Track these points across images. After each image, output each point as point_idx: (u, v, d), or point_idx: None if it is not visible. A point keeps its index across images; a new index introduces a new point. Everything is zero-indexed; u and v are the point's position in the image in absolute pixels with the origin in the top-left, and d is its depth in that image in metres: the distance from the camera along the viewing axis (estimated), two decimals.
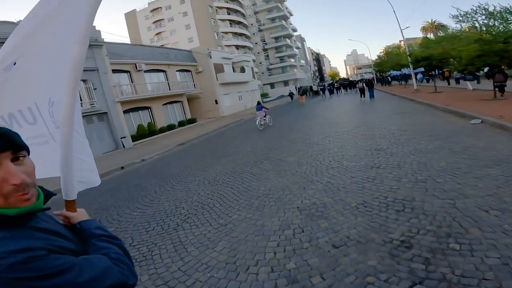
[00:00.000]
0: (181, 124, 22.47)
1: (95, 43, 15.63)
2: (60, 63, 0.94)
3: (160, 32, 48.63)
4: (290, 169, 5.97)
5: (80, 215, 0.96)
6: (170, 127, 21.11)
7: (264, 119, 13.93)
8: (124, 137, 16.56)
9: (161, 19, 47.99)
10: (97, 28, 16.19)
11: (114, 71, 18.56)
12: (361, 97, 19.47)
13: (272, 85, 66.72)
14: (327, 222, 3.40)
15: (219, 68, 29.31)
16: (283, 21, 66.84)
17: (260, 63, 64.70)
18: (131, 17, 51.38)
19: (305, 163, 6.19)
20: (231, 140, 12.52)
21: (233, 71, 33.65)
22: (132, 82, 19.98)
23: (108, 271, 0.73)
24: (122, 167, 11.00)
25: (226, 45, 47.19)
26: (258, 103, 15.11)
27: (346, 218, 3.40)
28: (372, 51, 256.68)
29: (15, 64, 1.07)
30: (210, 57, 27.55)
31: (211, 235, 3.67)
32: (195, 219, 4.29)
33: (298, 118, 15.89)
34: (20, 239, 0.64)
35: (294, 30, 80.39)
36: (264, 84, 64.80)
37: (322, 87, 36.33)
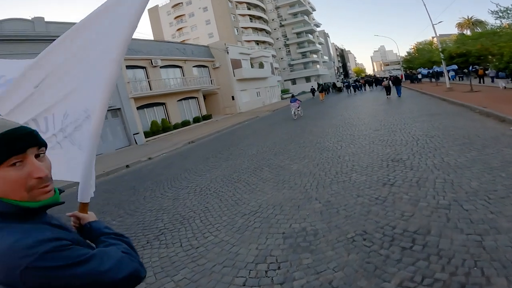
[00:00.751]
0: (196, 120, 22.28)
1: None
2: (93, 79, 1.02)
3: (181, 28, 48.91)
4: (290, 180, 5.28)
5: (91, 217, 1.02)
6: (185, 124, 20.96)
7: (298, 110, 15.86)
8: (137, 133, 16.58)
9: (182, 15, 48.20)
10: None
11: (129, 67, 18.64)
12: (387, 95, 18.32)
13: (293, 81, 65.45)
14: (312, 257, 2.72)
15: (236, 64, 28.79)
16: (305, 16, 64.93)
17: (281, 58, 63.44)
18: (153, 13, 52.18)
19: (308, 173, 5.46)
20: (240, 139, 11.96)
21: (251, 67, 33.00)
22: (147, 78, 20.00)
23: (123, 261, 0.77)
24: (127, 166, 10.83)
25: (246, 41, 46.51)
26: (292, 96, 17.83)
27: (336, 254, 2.71)
28: (400, 48, 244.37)
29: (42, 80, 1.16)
30: (227, 52, 27.07)
31: (177, 259, 3.15)
32: (168, 236, 3.78)
33: (313, 118, 14.99)
34: (45, 230, 0.68)
35: (317, 25, 77.97)
36: (285, 80, 63.61)
37: (346, 83, 34.68)
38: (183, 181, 6.62)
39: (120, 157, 13.25)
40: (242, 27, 46.64)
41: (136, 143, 16.39)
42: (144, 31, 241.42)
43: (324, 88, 31.51)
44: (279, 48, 62.67)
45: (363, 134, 8.28)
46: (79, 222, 0.99)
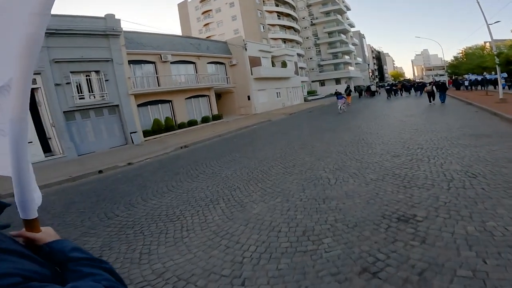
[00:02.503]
0: (205, 120, 20.90)
1: (112, 32, 14.69)
2: (6, 41, 0.74)
3: (208, 23, 48.22)
4: (229, 244, 3.43)
5: (47, 235, 0.75)
6: (191, 123, 19.68)
7: (343, 105, 18.69)
8: (135, 132, 15.52)
9: (209, 10, 47.44)
10: (117, 17, 15.23)
11: (136, 61, 17.70)
12: (430, 101, 16.87)
13: (322, 83, 62.33)
14: None
15: (255, 62, 27.02)
16: (339, 15, 61.43)
17: (310, 58, 60.60)
18: (183, 8, 52.14)
19: (252, 241, 3.53)
20: (236, 149, 10.23)
21: (272, 65, 31.04)
22: (156, 74, 18.98)
23: None
24: (100, 171, 9.59)
25: (272, 38, 44.55)
26: (339, 93, 20.34)
27: None
28: (445, 52, 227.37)
29: None
30: (246, 49, 25.39)
31: None
32: None
33: (324, 129, 12.82)
34: None
35: (351, 25, 73.71)
36: (312, 81, 60.74)
37: (383, 86, 32.19)
38: (126, 211, 5.04)
39: (105, 158, 12.16)
40: (268, 24, 44.74)
41: (132, 142, 15.33)
42: (173, 26, 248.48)
43: (350, 92, 29.08)
44: (309, 48, 59.89)
45: (374, 161, 6.10)
46: (31, 244, 0.71)
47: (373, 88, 36.70)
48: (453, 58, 41.52)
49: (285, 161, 7.21)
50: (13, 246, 0.61)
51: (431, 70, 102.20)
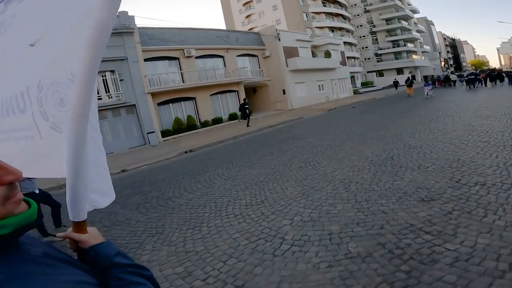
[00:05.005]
0: (232, 117, 19.52)
1: (126, 29, 14.16)
2: (66, 32, 0.68)
3: (249, 15, 46.59)
4: None
5: (92, 237, 0.73)
6: (216, 121, 18.51)
7: (431, 91, 19.41)
8: (152, 132, 14.92)
9: (250, 1, 45.64)
10: (130, 14, 14.68)
11: (159, 58, 17.13)
12: None
13: (380, 73, 56.09)
14: None
15: (292, 53, 24.50)
16: (397, 1, 53.88)
17: (366, 47, 54.64)
18: (225, 1, 51.47)
19: None
20: (243, 156, 8.52)
21: (313, 56, 28.01)
22: (180, 70, 18.22)
23: None
24: None
25: (317, 27, 40.81)
26: (427, 80, 22.75)
27: None
28: None
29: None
30: (279, 39, 23.07)
31: None
32: None
33: (356, 133, 10.17)
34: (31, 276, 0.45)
35: (414, 11, 64.53)
36: (368, 72, 54.85)
37: (461, 76, 27.54)
38: None
39: (112, 161, 11.65)
40: (312, 12, 41.03)
41: (149, 143, 14.78)
42: (216, 21, 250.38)
43: (411, 83, 25.26)
44: (363, 36, 54.05)
45: (392, 209, 3.72)
46: (77, 245, 0.71)
47: (453, 77, 32.07)
48: None
49: (254, 198, 5.22)
50: (54, 252, 0.57)
51: None
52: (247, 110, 16.11)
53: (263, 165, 7.13)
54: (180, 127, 16.56)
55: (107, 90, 14.14)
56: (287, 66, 23.87)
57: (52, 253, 0.56)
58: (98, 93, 13.72)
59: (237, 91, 20.63)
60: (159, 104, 16.31)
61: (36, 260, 0.50)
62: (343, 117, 15.14)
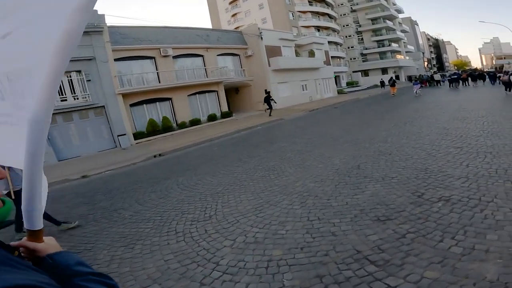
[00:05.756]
0: (212, 118, 18.91)
1: (95, 28, 13.35)
2: (42, 35, 0.67)
3: (235, 14, 45.99)
4: None
5: (50, 246, 0.70)
6: (194, 122, 17.86)
7: (419, 90, 20.63)
8: (123, 135, 14.16)
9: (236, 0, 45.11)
10: (100, 12, 13.89)
11: (133, 57, 16.37)
12: (506, 91, 15.55)
13: (365, 73, 56.60)
14: None
15: (275, 52, 24.07)
16: (383, 1, 54.45)
17: (352, 47, 54.97)
18: (211, 0, 50.65)
19: None
20: (210, 162, 7.98)
21: (297, 55, 27.69)
22: (157, 69, 17.49)
23: None
24: None
25: (303, 26, 40.61)
26: (416, 79, 24.83)
27: None
28: None
29: None
30: (261, 38, 22.59)
31: None
32: None
33: (328, 138, 9.81)
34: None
35: (399, 11, 65.62)
36: (354, 71, 55.20)
37: (452, 76, 28.64)
38: None
39: (77, 165, 10.91)
40: (299, 11, 40.81)
41: (120, 146, 14.03)
42: (203, 20, 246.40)
43: (394, 82, 25.95)
44: (349, 36, 54.36)
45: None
46: (33, 254, 0.68)
47: (437, 77, 33.88)
48: None
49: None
50: (16, 258, 0.56)
51: (502, 59, 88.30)
52: (271, 101, 18.30)
53: (226, 173, 6.64)
54: (154, 129, 15.85)
55: (73, 91, 13.30)
56: (269, 65, 23.43)
57: (14, 258, 0.54)
58: (63, 94, 12.92)
59: (217, 91, 20.03)
60: (132, 105, 15.55)
61: (3, 261, 0.50)
62: (323, 118, 14.82)
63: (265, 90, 19.75)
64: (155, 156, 10.76)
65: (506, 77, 16.00)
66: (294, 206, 4.13)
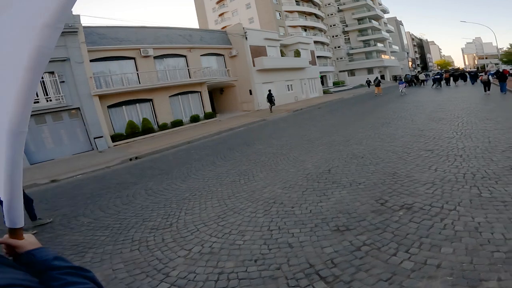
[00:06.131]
0: (194, 119, 18.57)
1: (69, 29, 12.82)
2: (11, 53, 0.69)
3: (223, 13, 45.52)
4: None
5: (29, 243, 0.74)
6: (176, 124, 17.50)
7: (404, 89, 21.70)
8: (100, 137, 13.69)
9: None
10: (75, 13, 13.39)
11: (111, 58, 15.87)
12: (485, 91, 15.96)
13: (351, 72, 57.21)
14: None
15: (260, 52, 23.92)
16: (369, 1, 55.20)
17: (338, 47, 55.43)
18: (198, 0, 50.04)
19: None
20: (183, 166, 7.73)
21: (282, 55, 27.64)
22: (137, 70, 17.02)
23: None
24: None
25: (290, 26, 40.62)
26: (400, 79, 25.94)
27: None
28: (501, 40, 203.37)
29: None
30: (246, 38, 22.39)
31: None
32: None
33: (307, 139, 9.73)
34: None
35: (385, 11, 66.71)
36: (340, 71, 55.71)
37: (435, 76, 29.34)
38: None
39: (49, 169, 10.43)
40: (286, 11, 40.82)
41: (97, 148, 13.55)
42: (190, 19, 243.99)
43: (379, 82, 26.36)
44: (336, 36, 54.75)
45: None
46: (13, 251, 0.73)
47: (422, 77, 34.39)
48: (509, 46, 34.99)
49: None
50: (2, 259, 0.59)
51: (484, 58, 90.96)
52: (273, 99, 20.44)
53: (197, 177, 6.44)
54: (134, 131, 15.40)
55: (45, 92, 12.73)
56: (254, 65, 23.26)
57: None
58: (35, 96, 12.35)
59: (200, 92, 19.70)
60: (110, 106, 15.05)
61: None
62: (305, 119, 14.78)
63: (269, 90, 21.32)
64: (130, 160, 10.41)
65: (485, 77, 16.42)
66: (258, 214, 3.98)
